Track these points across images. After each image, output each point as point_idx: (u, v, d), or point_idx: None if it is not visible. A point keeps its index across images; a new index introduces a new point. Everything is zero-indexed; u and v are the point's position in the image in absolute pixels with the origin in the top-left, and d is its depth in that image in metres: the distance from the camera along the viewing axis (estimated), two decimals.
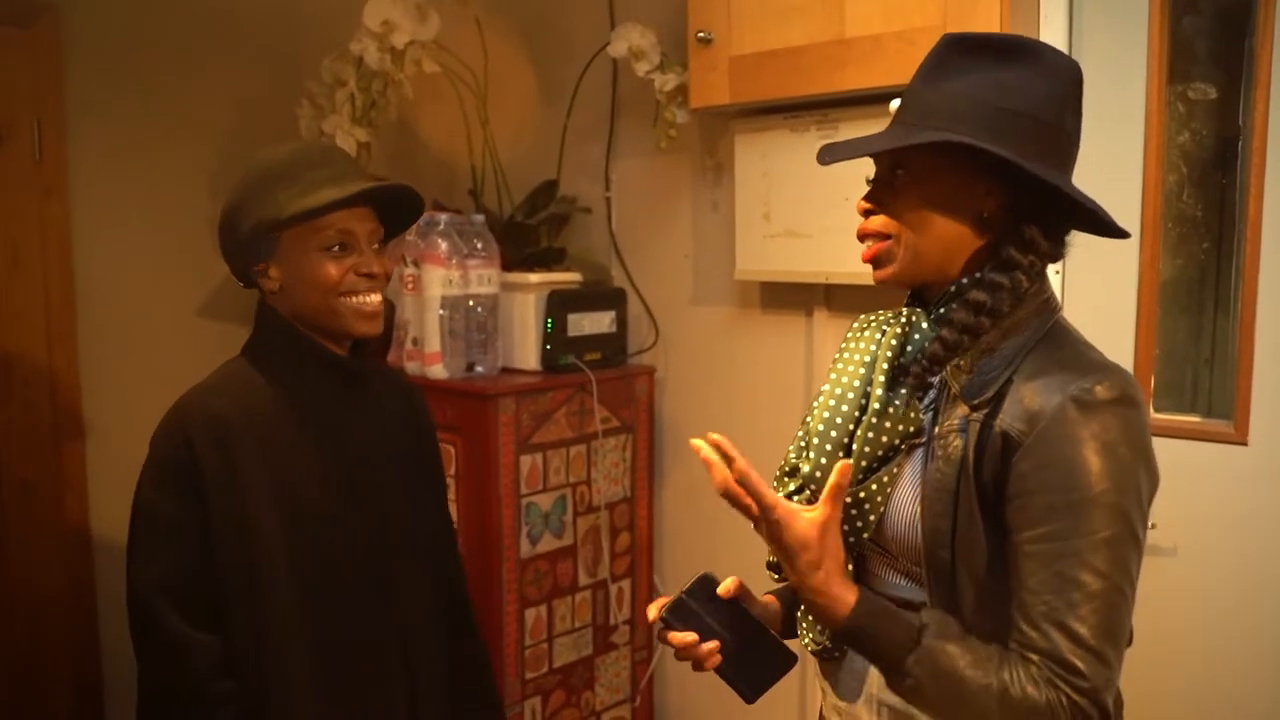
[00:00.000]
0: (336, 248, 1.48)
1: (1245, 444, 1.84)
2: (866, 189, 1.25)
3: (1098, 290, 1.99)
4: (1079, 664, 1.04)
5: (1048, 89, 1.15)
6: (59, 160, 2.70)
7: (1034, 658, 1.07)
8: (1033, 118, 1.13)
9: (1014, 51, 1.15)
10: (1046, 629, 1.06)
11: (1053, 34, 1.95)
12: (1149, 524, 1.87)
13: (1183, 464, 1.89)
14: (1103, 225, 1.19)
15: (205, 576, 1.44)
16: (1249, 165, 1.80)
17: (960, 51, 1.17)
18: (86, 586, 2.79)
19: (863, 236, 1.24)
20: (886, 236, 1.21)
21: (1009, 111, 1.13)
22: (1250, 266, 1.81)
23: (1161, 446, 1.87)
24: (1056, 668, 1.05)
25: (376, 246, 1.53)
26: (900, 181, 1.20)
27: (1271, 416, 1.81)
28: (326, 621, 1.50)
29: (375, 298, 1.52)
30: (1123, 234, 1.19)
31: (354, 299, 1.50)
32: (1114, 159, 1.94)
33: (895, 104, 1.25)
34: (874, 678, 1.27)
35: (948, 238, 1.19)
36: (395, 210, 1.58)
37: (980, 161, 1.14)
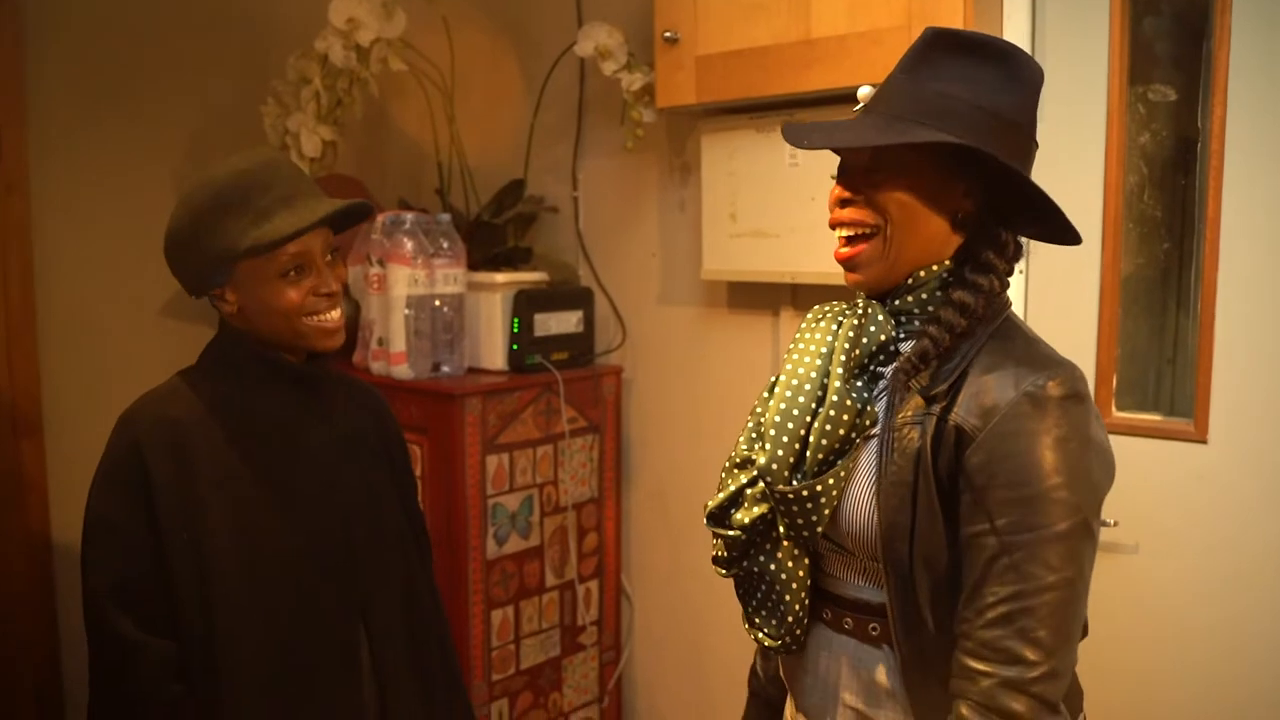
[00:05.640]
0: (293, 271, 1.46)
1: (1205, 442, 1.86)
2: (833, 182, 1.24)
3: (1060, 290, 2.00)
4: (1031, 657, 1.05)
5: (1022, 92, 1.16)
6: (19, 156, 2.66)
7: (979, 665, 1.07)
8: (1010, 120, 1.15)
9: (992, 53, 1.16)
10: (999, 625, 1.06)
11: (1015, 35, 1.97)
12: (1108, 519, 1.91)
13: (1144, 462, 1.91)
14: (1055, 233, 1.21)
15: (157, 580, 1.43)
16: (1208, 166, 1.82)
17: (942, 48, 1.17)
18: (46, 587, 2.75)
19: (838, 225, 1.23)
20: (867, 229, 1.20)
21: (990, 113, 1.14)
22: (1210, 266, 1.83)
23: (1123, 445, 1.91)
24: (1008, 664, 1.05)
25: (330, 257, 1.52)
26: (879, 178, 1.19)
27: (1231, 415, 1.83)
28: (283, 623, 1.48)
29: (335, 313, 1.52)
30: (1076, 239, 1.20)
31: (316, 318, 1.50)
32: (1076, 160, 1.95)
33: (865, 91, 1.24)
34: (839, 679, 1.27)
35: (926, 235, 1.19)
36: (350, 220, 1.57)
37: (961, 162, 1.15)
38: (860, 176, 1.21)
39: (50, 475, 2.75)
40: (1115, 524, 1.92)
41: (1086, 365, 1.97)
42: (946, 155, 1.16)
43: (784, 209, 2.27)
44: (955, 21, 1.87)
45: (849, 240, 1.23)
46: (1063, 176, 1.95)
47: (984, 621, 1.07)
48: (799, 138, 1.21)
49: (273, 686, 1.47)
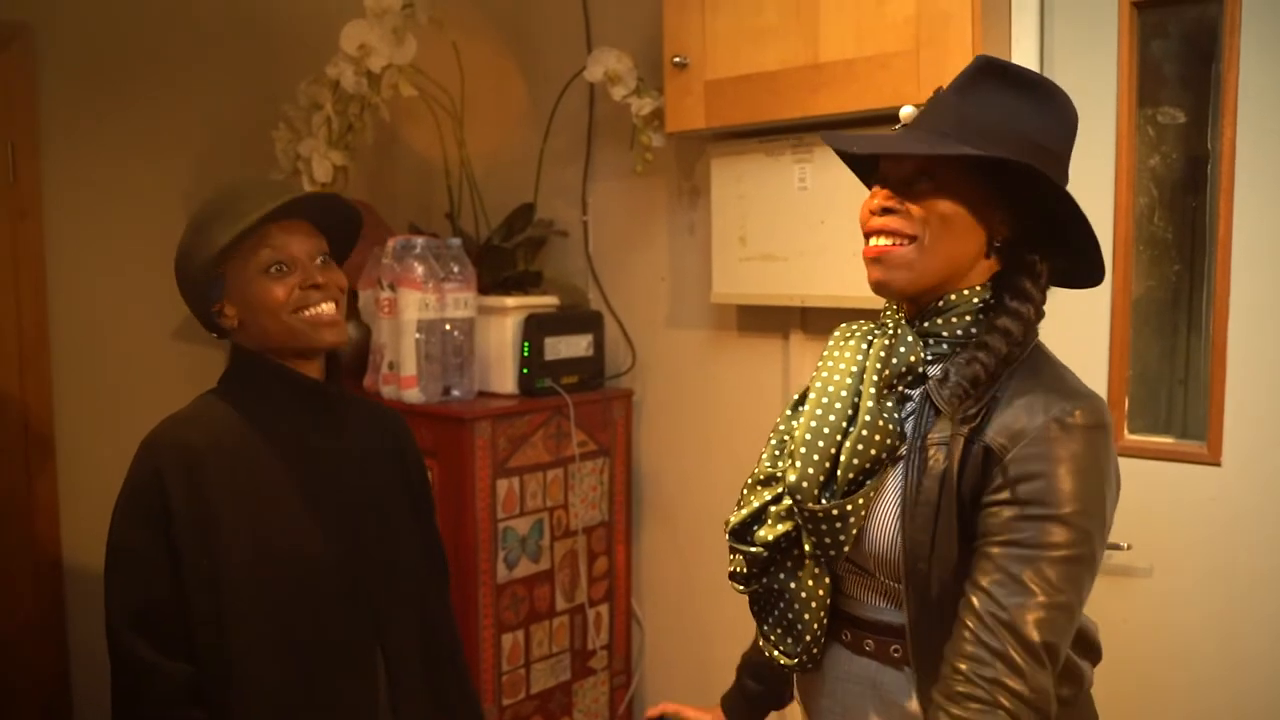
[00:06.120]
0: (275, 268, 1.48)
1: (1219, 465, 1.85)
2: (858, 204, 1.25)
3: (1071, 312, 2.00)
4: (1024, 666, 1.06)
5: (1062, 127, 1.19)
6: (33, 183, 2.68)
7: (964, 666, 1.08)
8: (1052, 153, 1.17)
9: (1039, 88, 1.18)
10: (996, 628, 1.07)
11: (1023, 58, 1.97)
12: (1121, 543, 1.90)
13: (1157, 485, 1.90)
14: (1079, 271, 1.24)
15: (178, 605, 1.44)
16: (1218, 188, 1.82)
17: (992, 75, 1.19)
18: (57, 611, 2.75)
19: (874, 233, 1.22)
20: (903, 238, 1.20)
21: (1039, 146, 1.16)
22: (1221, 288, 1.83)
23: (1136, 468, 1.91)
24: (1003, 668, 1.06)
25: (320, 261, 1.53)
26: (923, 189, 1.19)
27: (1244, 437, 1.82)
28: (299, 644, 1.49)
29: (328, 307, 1.52)
30: (1100, 279, 1.24)
31: (307, 312, 1.50)
32: (1086, 182, 1.94)
33: (907, 110, 1.24)
34: (860, 703, 1.27)
35: (959, 253, 1.20)
36: (338, 226, 1.58)
37: (1002, 189, 1.17)
38: (903, 188, 1.21)
39: (62, 495, 2.76)
40: (1128, 547, 1.91)
41: (1098, 387, 1.96)
42: (988, 179, 1.18)
43: (793, 232, 2.27)
44: (963, 46, 1.88)
45: (883, 240, 1.22)
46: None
47: (982, 625, 1.08)
48: (848, 144, 1.23)
49: (289, 707, 1.47)
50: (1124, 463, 1.89)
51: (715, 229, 2.44)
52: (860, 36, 2.02)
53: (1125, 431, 1.97)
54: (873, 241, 1.22)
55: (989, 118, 1.16)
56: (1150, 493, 1.90)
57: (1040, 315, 1.22)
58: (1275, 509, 1.80)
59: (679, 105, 2.35)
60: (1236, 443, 1.83)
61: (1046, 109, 1.18)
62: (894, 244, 1.20)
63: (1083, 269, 1.24)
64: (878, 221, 1.22)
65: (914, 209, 1.19)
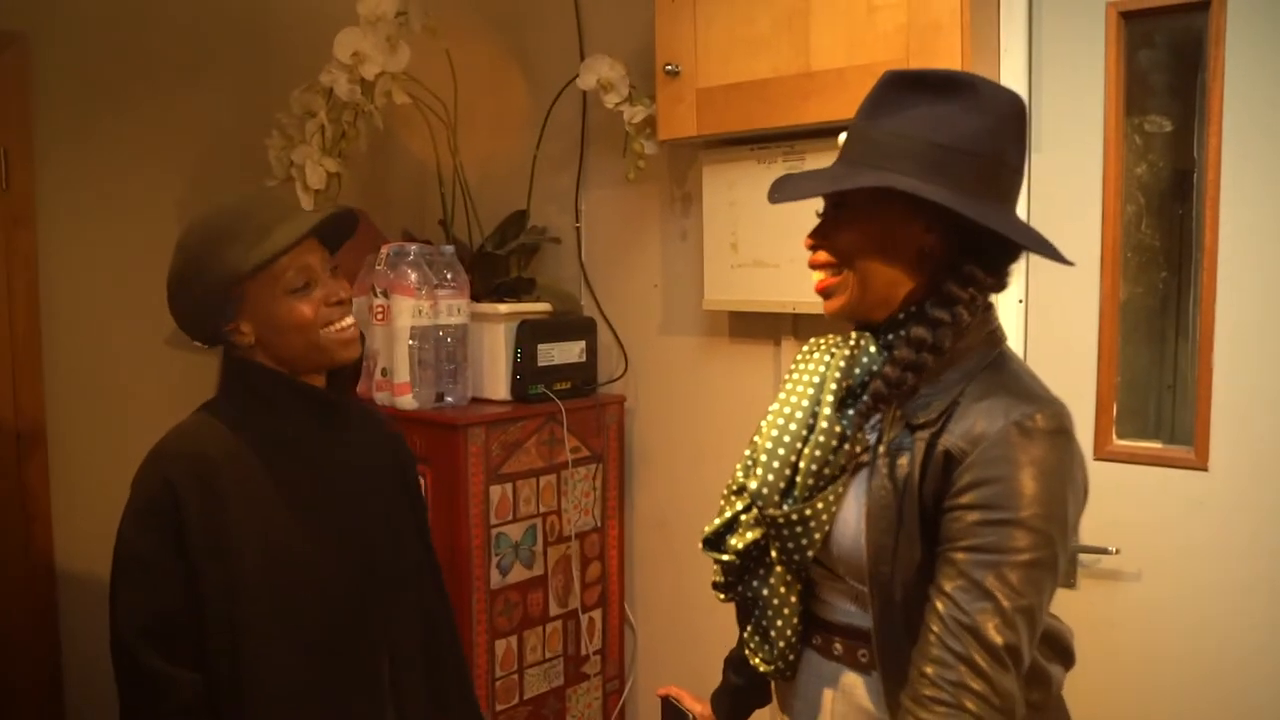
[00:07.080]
0: (302, 286, 1.49)
1: (1206, 469, 1.87)
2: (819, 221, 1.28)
3: (1060, 318, 2.02)
4: (988, 669, 1.07)
5: (986, 123, 1.16)
6: (26, 190, 2.69)
7: (929, 670, 1.08)
8: (971, 153, 1.15)
9: (952, 87, 1.17)
10: (960, 633, 1.08)
11: (1012, 66, 1.99)
12: (1109, 547, 1.91)
13: (1145, 490, 1.92)
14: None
15: (187, 615, 1.44)
16: (1204, 196, 1.84)
17: (900, 88, 1.19)
18: (51, 617, 2.74)
19: (812, 267, 1.28)
20: (832, 268, 1.24)
21: (947, 148, 1.15)
22: (1208, 294, 1.84)
23: (1124, 473, 1.92)
24: (966, 671, 1.07)
25: (330, 272, 1.54)
26: (843, 218, 1.23)
27: (1231, 442, 1.84)
28: (310, 652, 1.49)
29: (349, 320, 1.54)
30: (1066, 262, 1.20)
31: (333, 329, 1.51)
32: (1074, 190, 1.97)
33: (844, 137, 1.27)
34: (828, 706, 1.28)
35: (889, 273, 1.21)
36: (333, 231, 1.59)
37: (919, 199, 1.16)
38: (827, 222, 1.26)
39: (54, 500, 2.75)
40: (1117, 551, 1.92)
41: (1086, 393, 1.98)
42: (903, 195, 1.16)
43: (784, 239, 2.28)
44: (953, 54, 1.89)
45: (822, 275, 1.27)
46: (1061, 206, 1.97)
47: (946, 630, 1.09)
48: (771, 195, 1.26)
49: (300, 712, 1.48)
50: (1112, 468, 1.93)
51: (707, 236, 2.46)
52: (851, 46, 2.04)
53: (1114, 437, 1.98)
54: (814, 276, 1.27)
55: (894, 133, 1.17)
56: (1138, 498, 1.92)
57: (973, 314, 1.19)
58: (1262, 513, 1.82)
59: (671, 113, 2.37)
60: (1223, 447, 1.85)
61: (962, 106, 1.15)
62: (827, 276, 1.25)
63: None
64: (810, 257, 1.27)
65: (840, 239, 1.23)
